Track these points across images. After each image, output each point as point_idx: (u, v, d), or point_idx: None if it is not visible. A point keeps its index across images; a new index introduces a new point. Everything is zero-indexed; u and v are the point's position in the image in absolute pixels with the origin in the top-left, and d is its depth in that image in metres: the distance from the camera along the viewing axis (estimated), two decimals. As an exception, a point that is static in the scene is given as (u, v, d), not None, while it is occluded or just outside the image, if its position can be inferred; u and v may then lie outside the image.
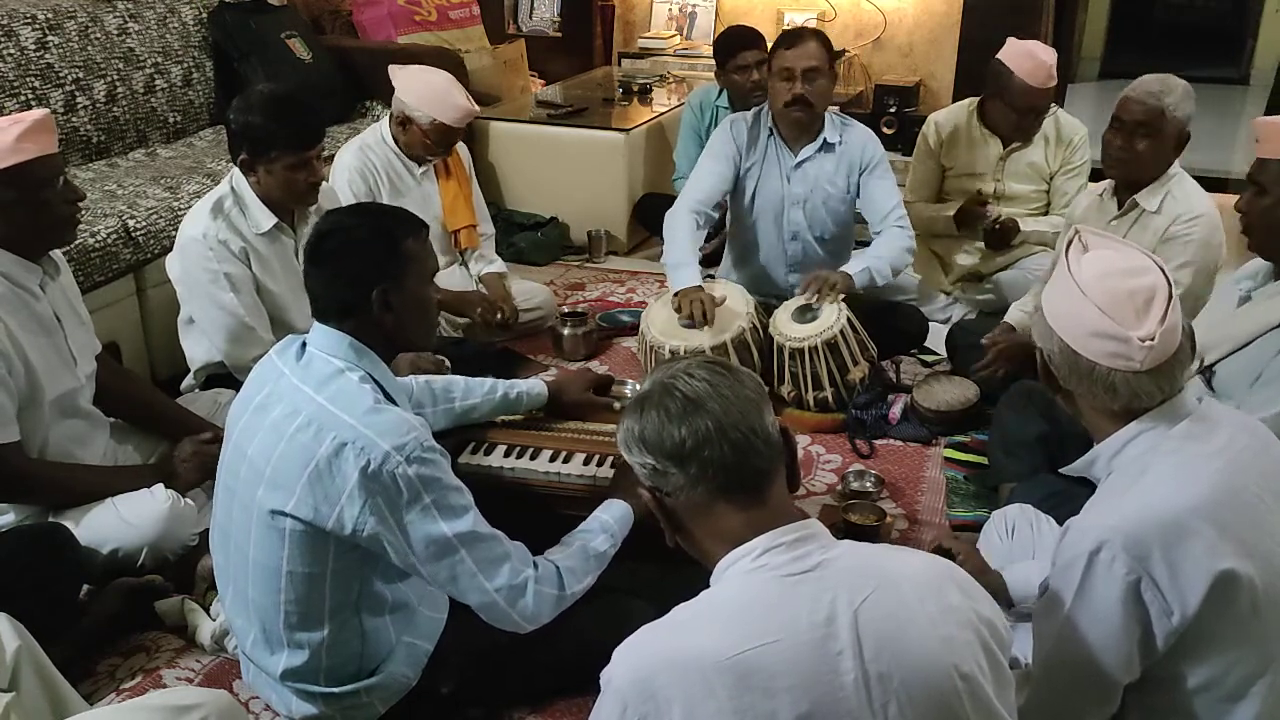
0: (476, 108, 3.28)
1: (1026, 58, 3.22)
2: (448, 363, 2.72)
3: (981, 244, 3.49)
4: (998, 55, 3.29)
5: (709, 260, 3.83)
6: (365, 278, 1.68)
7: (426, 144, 3.19)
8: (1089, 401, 1.44)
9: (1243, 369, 1.95)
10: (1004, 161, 3.44)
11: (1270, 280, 2.04)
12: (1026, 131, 3.37)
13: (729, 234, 3.41)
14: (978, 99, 3.50)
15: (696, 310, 2.89)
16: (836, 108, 3.28)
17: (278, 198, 2.55)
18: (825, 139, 3.11)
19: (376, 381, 1.70)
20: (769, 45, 3.22)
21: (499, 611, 1.68)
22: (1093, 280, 1.38)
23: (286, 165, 2.47)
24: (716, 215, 3.23)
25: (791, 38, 3.05)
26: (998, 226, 3.38)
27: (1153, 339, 1.34)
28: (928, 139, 3.55)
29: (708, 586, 1.23)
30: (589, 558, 1.78)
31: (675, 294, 2.97)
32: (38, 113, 2.06)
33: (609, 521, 1.85)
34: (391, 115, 3.22)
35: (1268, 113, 5.33)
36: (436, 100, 3.14)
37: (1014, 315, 2.89)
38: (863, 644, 1.12)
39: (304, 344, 1.73)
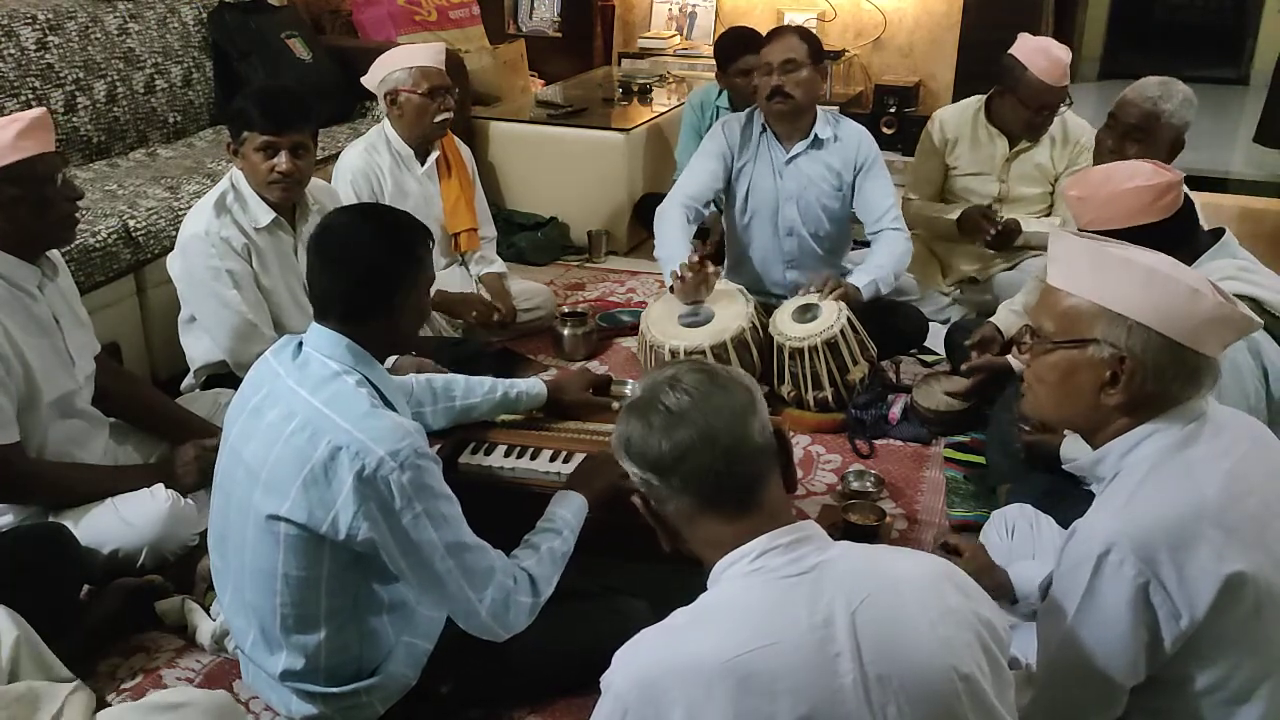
0: (441, 44, 3.29)
1: (1042, 54, 3.16)
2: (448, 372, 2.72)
3: (983, 249, 3.46)
4: (1010, 50, 3.23)
5: (710, 261, 3.83)
6: (381, 283, 1.68)
7: (426, 102, 3.13)
8: (1148, 400, 1.38)
9: None
10: (1010, 162, 3.40)
11: None
12: (1037, 130, 3.31)
13: (726, 237, 3.42)
14: (984, 97, 3.44)
15: (692, 280, 2.89)
16: (836, 108, 3.28)
17: (253, 187, 2.55)
18: (816, 135, 3.12)
19: (373, 385, 1.70)
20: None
21: (480, 622, 1.69)
22: (1179, 269, 1.35)
23: (255, 147, 2.48)
24: (707, 212, 3.24)
25: (771, 35, 3.11)
26: (999, 228, 3.33)
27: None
28: (932, 136, 3.49)
29: (706, 586, 1.23)
30: (556, 559, 1.80)
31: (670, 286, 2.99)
32: (35, 111, 2.07)
33: (569, 518, 1.87)
34: (384, 106, 3.19)
35: (1265, 111, 5.30)
36: (402, 57, 3.15)
37: (1002, 316, 2.85)
38: (861, 646, 1.12)
39: (300, 344, 1.73)
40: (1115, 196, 1.90)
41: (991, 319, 2.87)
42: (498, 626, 1.70)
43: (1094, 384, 1.38)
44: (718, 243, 3.68)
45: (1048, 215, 3.47)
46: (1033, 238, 3.38)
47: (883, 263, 3.07)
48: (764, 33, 3.74)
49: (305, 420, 1.63)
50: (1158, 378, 1.35)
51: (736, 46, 3.66)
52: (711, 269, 2.98)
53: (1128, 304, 1.34)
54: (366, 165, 3.17)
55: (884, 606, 1.15)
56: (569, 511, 1.88)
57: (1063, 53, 3.19)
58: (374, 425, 1.61)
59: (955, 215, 3.39)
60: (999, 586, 1.83)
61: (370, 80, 3.19)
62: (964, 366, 2.79)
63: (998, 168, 3.42)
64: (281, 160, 2.49)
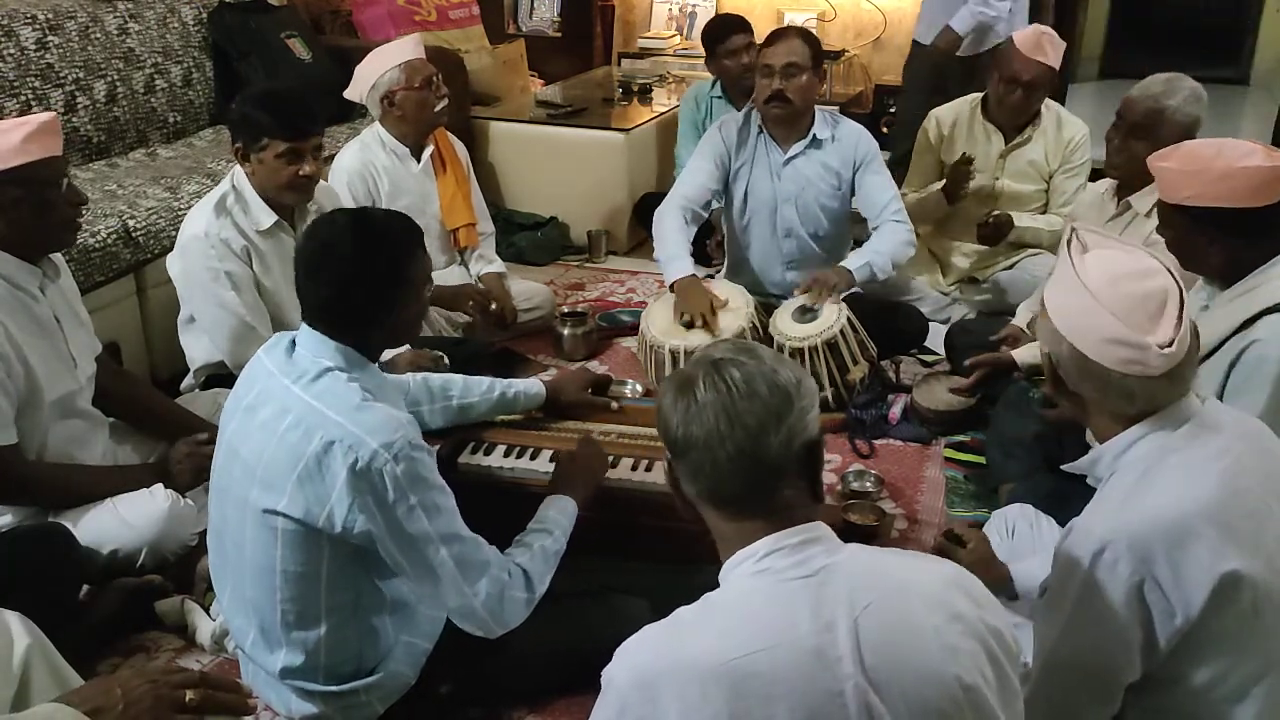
0: (415, 35, 3.33)
1: (1030, 29, 3.27)
2: (446, 359, 2.72)
3: (977, 245, 3.47)
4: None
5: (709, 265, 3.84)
6: (367, 299, 1.67)
7: (424, 94, 3.13)
8: (1099, 405, 1.43)
9: (1203, 382, 1.93)
10: (1004, 159, 3.43)
11: (1219, 291, 2.00)
12: (1009, 109, 3.34)
13: (726, 237, 3.43)
14: (981, 94, 3.48)
15: (697, 317, 2.91)
16: (835, 108, 3.29)
17: (271, 191, 2.55)
18: (815, 135, 3.12)
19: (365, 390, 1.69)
20: (756, 35, 3.31)
21: (475, 616, 1.69)
22: (1103, 285, 1.35)
23: (277, 154, 2.47)
24: (705, 214, 3.25)
25: (774, 36, 3.11)
26: (990, 220, 3.32)
27: (1171, 345, 1.32)
28: (928, 133, 3.54)
29: (707, 586, 1.22)
30: (549, 556, 1.80)
31: (672, 285, 3.00)
32: (44, 115, 2.07)
33: (561, 519, 1.88)
34: (378, 112, 3.18)
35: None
36: (385, 59, 3.13)
37: (1023, 316, 2.89)
38: (863, 652, 1.11)
39: (293, 342, 1.73)
40: (1230, 173, 1.80)
41: (1014, 321, 2.88)
42: (492, 621, 1.70)
43: (1057, 382, 1.48)
44: (720, 241, 3.68)
45: (1042, 213, 3.48)
46: (1026, 234, 3.40)
47: (879, 248, 3.07)
48: (764, 32, 3.77)
49: (299, 416, 1.63)
50: (1078, 385, 1.43)
51: (723, 28, 3.76)
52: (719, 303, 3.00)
53: (1056, 313, 1.42)
54: (362, 165, 3.16)
55: (888, 612, 1.13)
56: (558, 512, 1.89)
57: (1048, 31, 3.27)
58: (366, 418, 1.62)
59: (940, 186, 3.44)
60: (998, 580, 1.82)
61: (357, 91, 3.17)
62: (966, 363, 2.79)
63: (992, 164, 3.44)
64: (306, 165, 2.50)
